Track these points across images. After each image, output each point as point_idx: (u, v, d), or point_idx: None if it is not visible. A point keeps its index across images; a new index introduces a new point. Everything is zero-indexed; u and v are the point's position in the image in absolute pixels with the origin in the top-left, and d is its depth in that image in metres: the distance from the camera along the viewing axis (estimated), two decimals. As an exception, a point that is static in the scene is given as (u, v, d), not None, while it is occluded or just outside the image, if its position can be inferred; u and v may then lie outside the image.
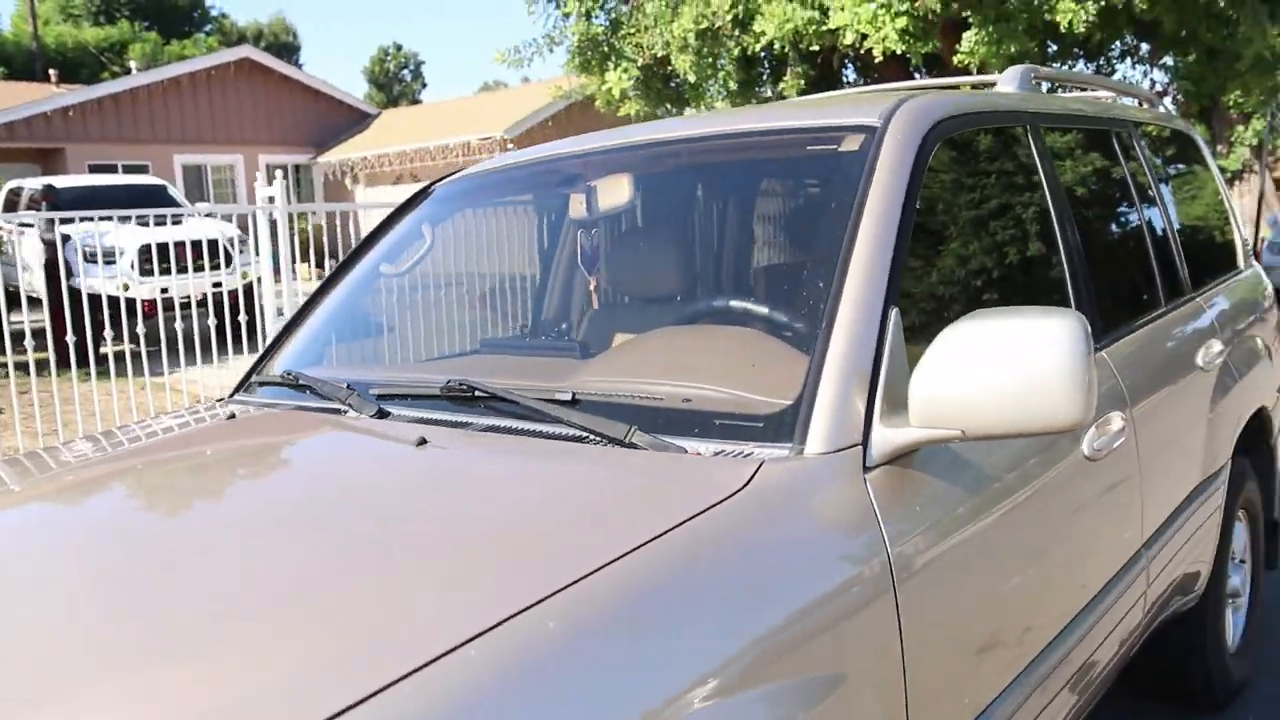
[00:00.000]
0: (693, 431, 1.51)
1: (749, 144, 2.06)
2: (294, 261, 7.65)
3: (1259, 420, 3.28)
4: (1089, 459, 1.98)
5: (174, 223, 11.06)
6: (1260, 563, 3.44)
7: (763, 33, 8.38)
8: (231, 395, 2.45)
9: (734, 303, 1.97)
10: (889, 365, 1.52)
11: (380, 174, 21.15)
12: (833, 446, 1.44)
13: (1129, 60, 12.53)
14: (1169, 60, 11.48)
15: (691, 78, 10.20)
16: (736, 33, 8.87)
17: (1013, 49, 7.85)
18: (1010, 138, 2.23)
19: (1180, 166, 3.53)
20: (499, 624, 1.02)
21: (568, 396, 1.64)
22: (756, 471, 1.37)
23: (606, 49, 10.97)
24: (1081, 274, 2.23)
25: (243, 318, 7.32)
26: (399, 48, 66.46)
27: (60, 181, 13.46)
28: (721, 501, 1.29)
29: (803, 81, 9.40)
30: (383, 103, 43.04)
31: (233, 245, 10.59)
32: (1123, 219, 2.73)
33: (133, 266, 10.29)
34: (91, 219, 8.22)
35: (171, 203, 12.33)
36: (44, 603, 1.23)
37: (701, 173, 2.16)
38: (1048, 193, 2.25)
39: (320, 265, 11.50)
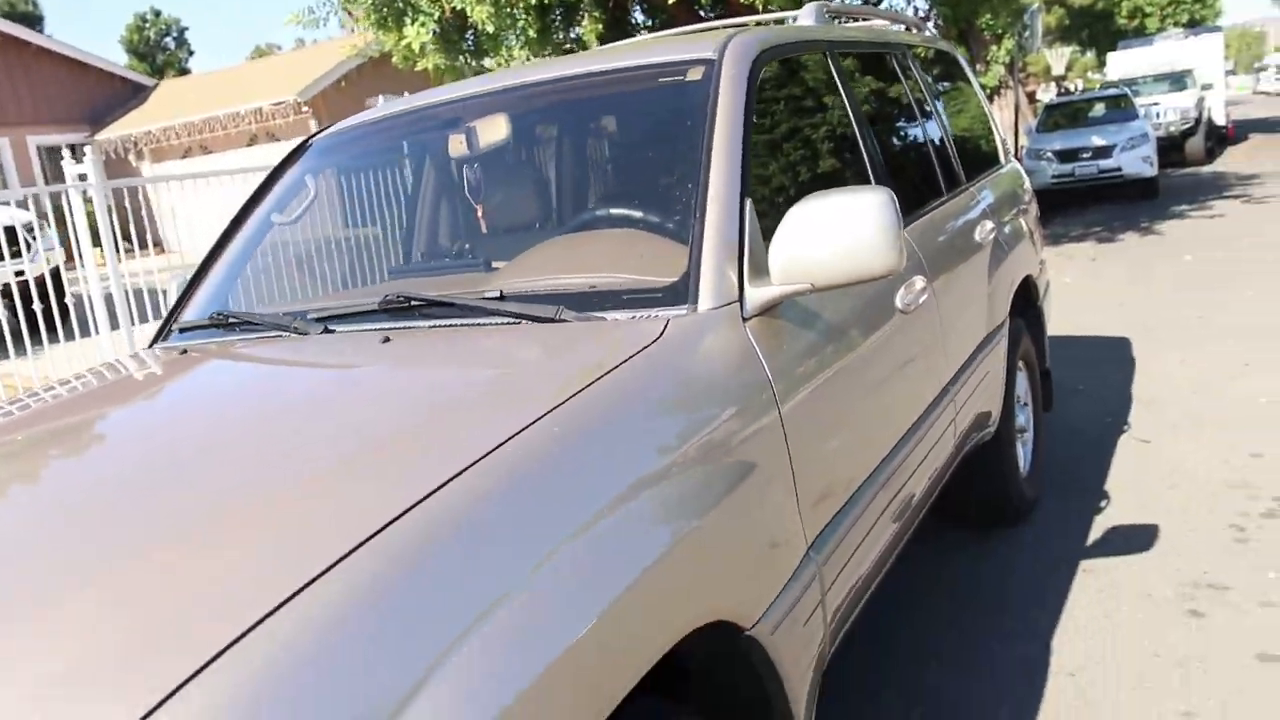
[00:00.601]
0: (605, 306, 1.92)
1: (608, 80, 2.46)
2: (116, 241, 7.48)
3: (1027, 287, 3.97)
4: (902, 312, 2.51)
5: (-47, 211, 10.42)
6: (1039, 405, 4.17)
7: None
8: (152, 344, 2.68)
9: (611, 210, 2.36)
10: (749, 242, 1.97)
11: (167, 148, 20.18)
12: (718, 303, 1.88)
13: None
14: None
15: (490, 28, 10.37)
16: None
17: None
18: (814, 62, 2.71)
19: (947, 83, 4.14)
20: (521, 430, 1.40)
21: (496, 294, 2.01)
22: (666, 326, 1.79)
23: (402, 4, 10.96)
24: (880, 169, 2.75)
25: (38, 306, 7.12)
26: (158, 14, 62.19)
27: None
28: (647, 346, 1.71)
29: (600, 26, 9.72)
30: (147, 73, 40.42)
31: (30, 231, 10.10)
32: (906, 125, 3.28)
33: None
34: None
35: (-52, 192, 11.55)
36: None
37: (569, 108, 2.54)
38: (847, 106, 2.75)
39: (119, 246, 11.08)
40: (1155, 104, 17.79)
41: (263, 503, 1.32)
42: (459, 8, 10.01)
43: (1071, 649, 2.96)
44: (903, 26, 3.88)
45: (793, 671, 1.74)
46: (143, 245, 8.05)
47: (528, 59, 14.34)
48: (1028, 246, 4.08)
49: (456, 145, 2.68)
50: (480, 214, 2.64)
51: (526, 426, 1.42)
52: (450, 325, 2.00)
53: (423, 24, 10.65)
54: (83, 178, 7.49)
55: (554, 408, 1.48)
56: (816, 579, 1.87)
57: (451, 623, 1.13)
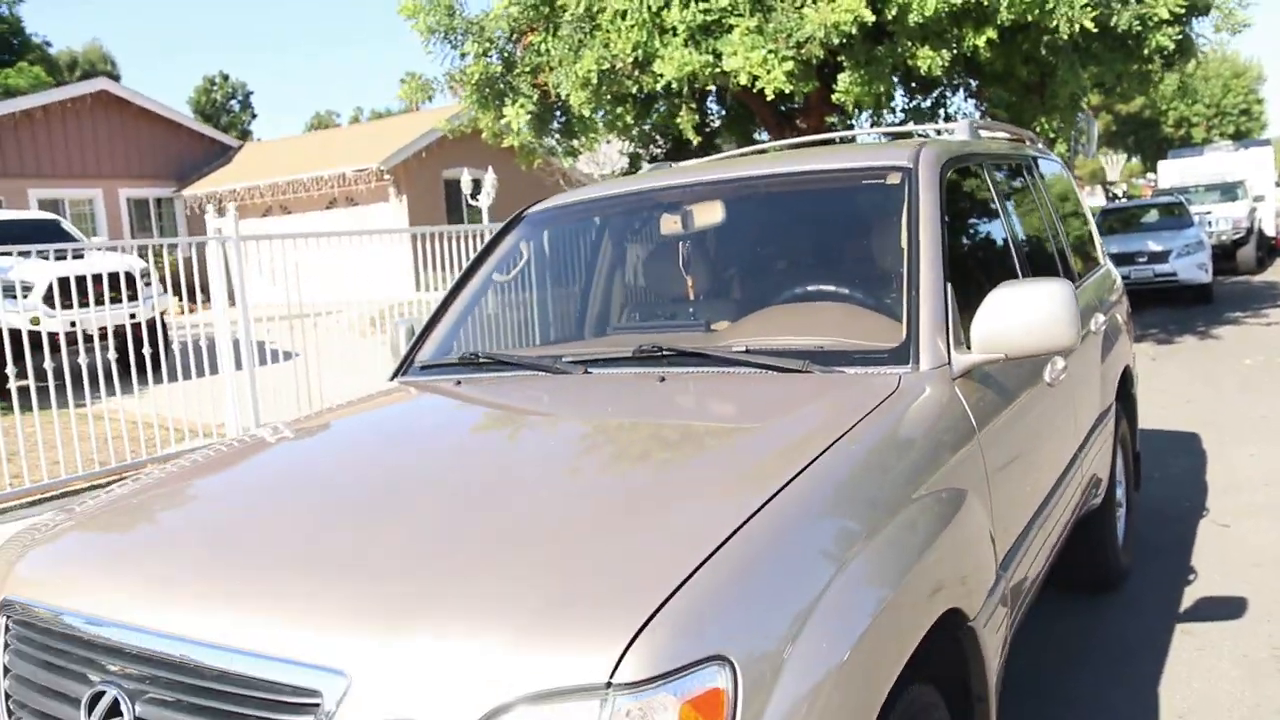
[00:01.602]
0: (840, 363, 2.38)
1: (816, 178, 2.97)
2: (244, 291, 8.07)
3: (1126, 375, 4.40)
4: (1049, 384, 2.95)
5: (75, 257, 11.13)
6: (1131, 484, 4.56)
7: (661, 74, 9.33)
8: (393, 378, 3.17)
9: (823, 287, 2.83)
10: (952, 317, 2.43)
11: (249, 206, 21.09)
12: (933, 365, 2.34)
13: (962, 92, 14.15)
14: (991, 93, 13.14)
15: (586, 113, 11.07)
16: (636, 73, 9.79)
17: (880, 88, 9.09)
18: (977, 169, 3.20)
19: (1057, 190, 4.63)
20: (812, 463, 1.84)
21: (742, 348, 2.48)
22: (900, 380, 2.25)
23: (503, 86, 11.70)
24: (1025, 262, 3.22)
25: (147, 350, 7.68)
26: (225, 77, 64.67)
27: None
28: (890, 395, 2.17)
29: (697, 117, 10.39)
30: (212, 134, 42.17)
31: (145, 278, 10.73)
32: (1038, 224, 3.75)
33: (46, 300, 10.30)
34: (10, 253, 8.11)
35: (67, 237, 12.30)
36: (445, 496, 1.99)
37: (777, 199, 3.03)
38: (1000, 206, 3.24)
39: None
40: (1208, 212, 18.24)
41: (657, 489, 1.78)
42: (559, 93, 10.70)
43: (1180, 696, 3.32)
44: (1024, 140, 4.38)
45: (991, 659, 2.15)
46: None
47: (608, 141, 15.09)
48: (1126, 340, 4.52)
49: (670, 224, 3.18)
50: (690, 285, 3.13)
51: (826, 448, 1.88)
52: (701, 371, 2.47)
53: (522, 105, 11.33)
54: (219, 231, 8.09)
55: (840, 437, 1.93)
56: (1004, 590, 2.30)
57: (815, 579, 1.57)
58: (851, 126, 15.37)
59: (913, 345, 2.37)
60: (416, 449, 2.38)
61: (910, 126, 4.87)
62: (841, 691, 1.49)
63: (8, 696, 1.83)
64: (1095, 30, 8.42)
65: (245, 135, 44.92)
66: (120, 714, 1.57)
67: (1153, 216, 16.38)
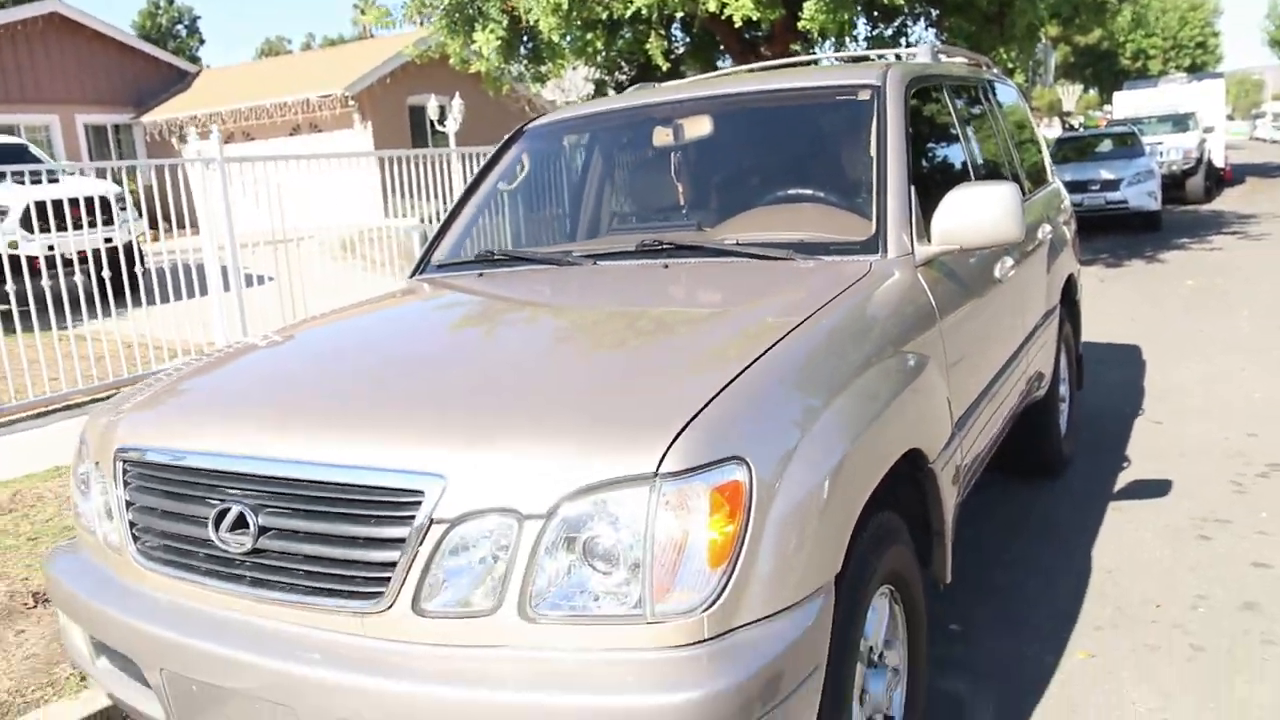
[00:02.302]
0: (818, 252, 2.75)
1: (795, 94, 3.30)
2: (229, 214, 8.23)
3: (1070, 282, 4.82)
4: (998, 280, 3.34)
5: (50, 180, 11.12)
6: (1074, 381, 5.01)
7: (631, 1, 9.52)
8: (412, 275, 3.49)
9: (801, 189, 3.18)
10: (915, 214, 2.80)
11: (208, 133, 20.89)
12: (898, 254, 2.71)
13: (922, 22, 14.40)
14: (951, 22, 13.41)
15: (555, 38, 11.21)
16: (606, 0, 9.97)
17: (845, 16, 9.35)
18: (937, 89, 3.54)
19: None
20: (801, 323, 2.22)
21: (734, 241, 2.84)
22: (871, 266, 2.62)
23: (473, 12, 11.78)
24: (980, 171, 3.59)
25: (124, 274, 7.85)
26: (171, 1, 62.94)
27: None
28: (863, 277, 2.54)
29: (665, 43, 10.59)
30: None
31: (120, 202, 10.77)
32: (990, 141, 4.11)
33: (24, 224, 10.33)
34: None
35: (35, 161, 12.28)
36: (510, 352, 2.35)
37: (760, 113, 3.35)
38: (957, 123, 3.59)
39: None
40: (1159, 143, 18.73)
41: (677, 342, 2.16)
42: (529, 19, 10.82)
43: (1107, 556, 3.79)
44: (981, 65, 4.72)
45: (948, 501, 2.56)
46: (180, 225, 8.81)
47: (574, 68, 15.16)
48: (1070, 250, 4.92)
49: (662, 136, 3.51)
50: (681, 191, 3.47)
51: (812, 314, 2.25)
52: (699, 262, 2.83)
53: (492, 30, 11.44)
54: (198, 154, 8.22)
55: (822, 306, 2.31)
56: (959, 446, 2.70)
57: (830, 389, 1.97)
58: (815, 54, 15.62)
59: (881, 237, 2.74)
60: (461, 318, 2.75)
61: (872, 54, 5.20)
62: (830, 494, 1.87)
63: (131, 524, 2.18)
64: (1053, -39, 8.72)
65: (194, 61, 43.93)
66: (245, 525, 1.92)
67: (1106, 146, 16.84)
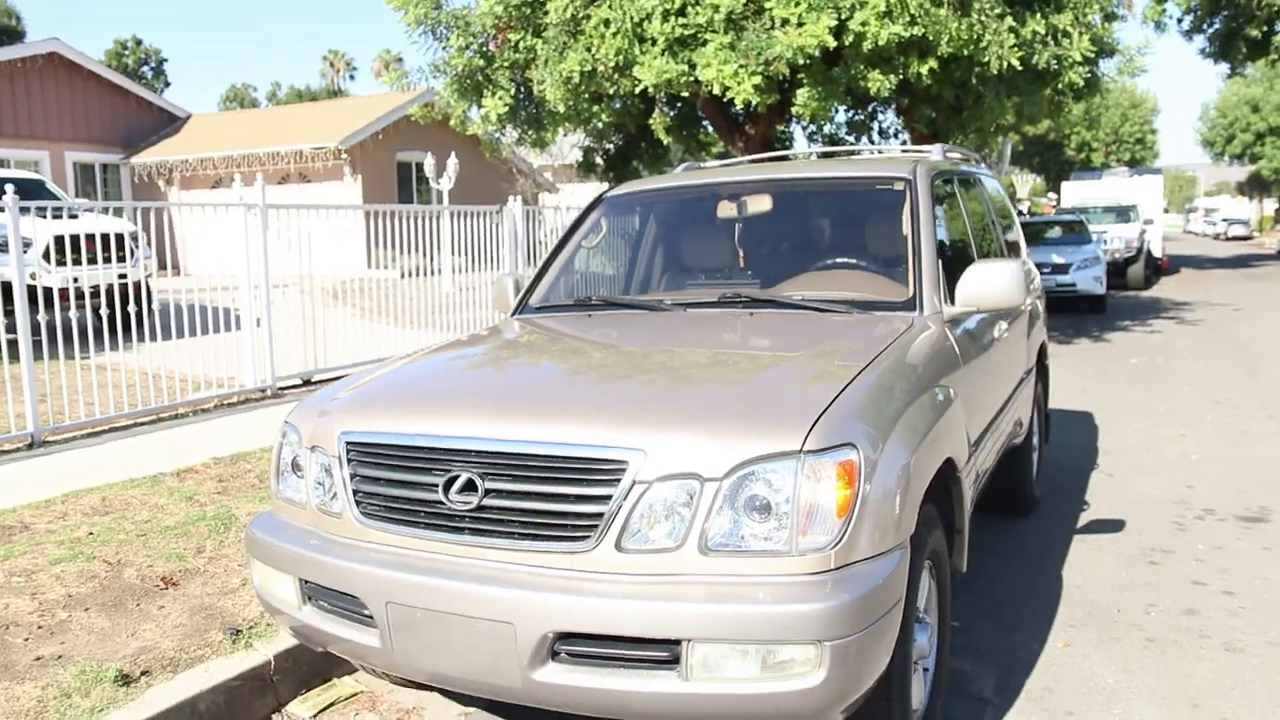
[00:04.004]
0: (868, 309, 3.51)
1: (842, 182, 4.11)
2: (266, 256, 8.84)
3: (1042, 349, 5.65)
4: (995, 339, 4.12)
5: (71, 216, 11.61)
6: (1042, 436, 5.82)
7: (639, 79, 10.38)
8: (513, 314, 4.19)
9: (848, 259, 3.95)
10: (943, 281, 3.58)
11: (198, 177, 21.48)
12: (932, 312, 3.48)
13: (892, 108, 15.51)
14: (918, 111, 14.55)
15: (560, 109, 12.03)
16: (615, 76, 10.82)
17: (833, 103, 10.32)
18: (950, 180, 4.36)
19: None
20: (874, 359, 2.95)
21: (799, 297, 3.59)
22: (912, 321, 3.38)
23: (482, 78, 12.59)
24: (980, 248, 4.40)
25: (132, 308, 8.32)
26: (139, 42, 63.28)
27: (-58, 175, 13.39)
28: (908, 329, 3.30)
29: (669, 120, 11.48)
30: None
31: (135, 240, 11.26)
32: (985, 222, 4.93)
33: (45, 257, 10.76)
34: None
35: (52, 196, 12.75)
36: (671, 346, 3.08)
37: (810, 196, 4.15)
38: (963, 208, 4.41)
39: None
40: (1104, 232, 20.08)
41: (790, 366, 2.89)
42: (539, 90, 11.64)
43: (1073, 574, 4.55)
44: (972, 160, 5.59)
45: (966, 506, 3.30)
46: (161, 266, 9.23)
47: (566, 134, 15.98)
48: (1041, 324, 5.77)
49: (726, 209, 4.28)
50: (742, 256, 4.23)
51: (879, 354, 2.99)
52: (772, 312, 3.57)
53: (499, 97, 12.22)
54: (241, 199, 8.83)
55: (885, 348, 3.05)
56: (973, 463, 3.45)
57: (900, 405, 2.70)
58: (792, 135, 16.69)
59: (918, 298, 3.51)
60: (601, 342, 3.48)
61: (852, 145, 6.09)
62: (905, 480, 2.60)
63: (354, 492, 2.83)
64: (1020, 67, 9.77)
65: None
66: (473, 488, 2.58)
67: (1056, 232, 18.08)
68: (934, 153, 4.67)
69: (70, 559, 4.41)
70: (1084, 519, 5.41)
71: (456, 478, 2.62)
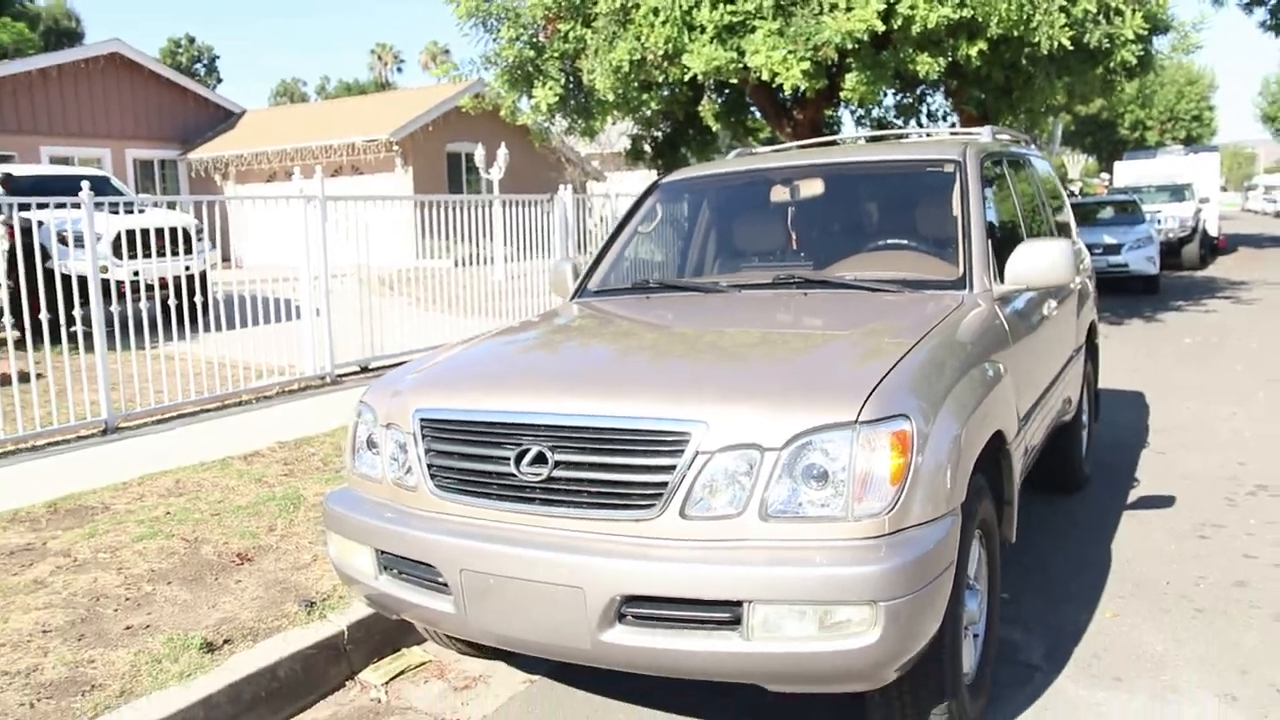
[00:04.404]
0: (921, 287, 3.60)
1: (894, 164, 4.21)
2: (325, 248, 9.08)
3: (1092, 327, 5.69)
4: (1045, 317, 4.20)
5: (137, 211, 11.93)
6: (1092, 414, 5.87)
7: (689, 67, 10.48)
8: (572, 298, 4.33)
9: (899, 239, 4.05)
10: (993, 259, 3.66)
11: (253, 171, 21.93)
12: (982, 290, 3.57)
13: (941, 91, 15.45)
14: (968, 94, 14.48)
15: (610, 98, 12.15)
16: (665, 64, 10.93)
17: (882, 87, 10.35)
18: (999, 162, 4.43)
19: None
20: (925, 335, 3.06)
21: (852, 277, 3.70)
22: (963, 299, 3.48)
23: (532, 69, 12.74)
24: (1031, 227, 4.47)
25: (197, 300, 8.46)
26: (191, 40, 64.46)
27: (16, 170, 13.86)
28: (959, 306, 3.39)
29: (717, 106, 11.56)
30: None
31: (199, 234, 11.57)
32: (1035, 203, 4.99)
33: (113, 250, 11.09)
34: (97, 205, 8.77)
35: (117, 192, 13.15)
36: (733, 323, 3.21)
37: (864, 179, 4.25)
38: (1012, 188, 4.48)
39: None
40: (1158, 211, 19.80)
41: (849, 338, 3.02)
42: (589, 79, 11.77)
43: (1124, 549, 4.62)
44: (1021, 141, 5.63)
45: (1016, 477, 3.40)
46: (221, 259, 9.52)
47: (614, 123, 16.11)
48: (1092, 302, 5.81)
49: (779, 193, 4.39)
50: (795, 239, 4.34)
51: (930, 330, 3.09)
52: (826, 292, 3.68)
53: (550, 87, 12.36)
54: (302, 191, 9.07)
55: (936, 325, 3.15)
56: (1023, 437, 3.54)
57: (951, 379, 2.81)
58: (839, 119, 16.65)
59: (968, 278, 3.61)
60: (659, 322, 3.62)
61: (900, 129, 6.13)
62: (957, 449, 2.71)
63: (429, 466, 2.99)
64: (1071, 47, 9.72)
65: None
66: (544, 461, 2.74)
67: (1108, 212, 17.88)
68: (984, 135, 4.74)
69: (150, 536, 4.65)
70: (1134, 495, 5.46)
71: (527, 451, 2.77)
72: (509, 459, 2.80)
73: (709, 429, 2.57)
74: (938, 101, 15.45)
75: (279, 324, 9.49)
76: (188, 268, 10.41)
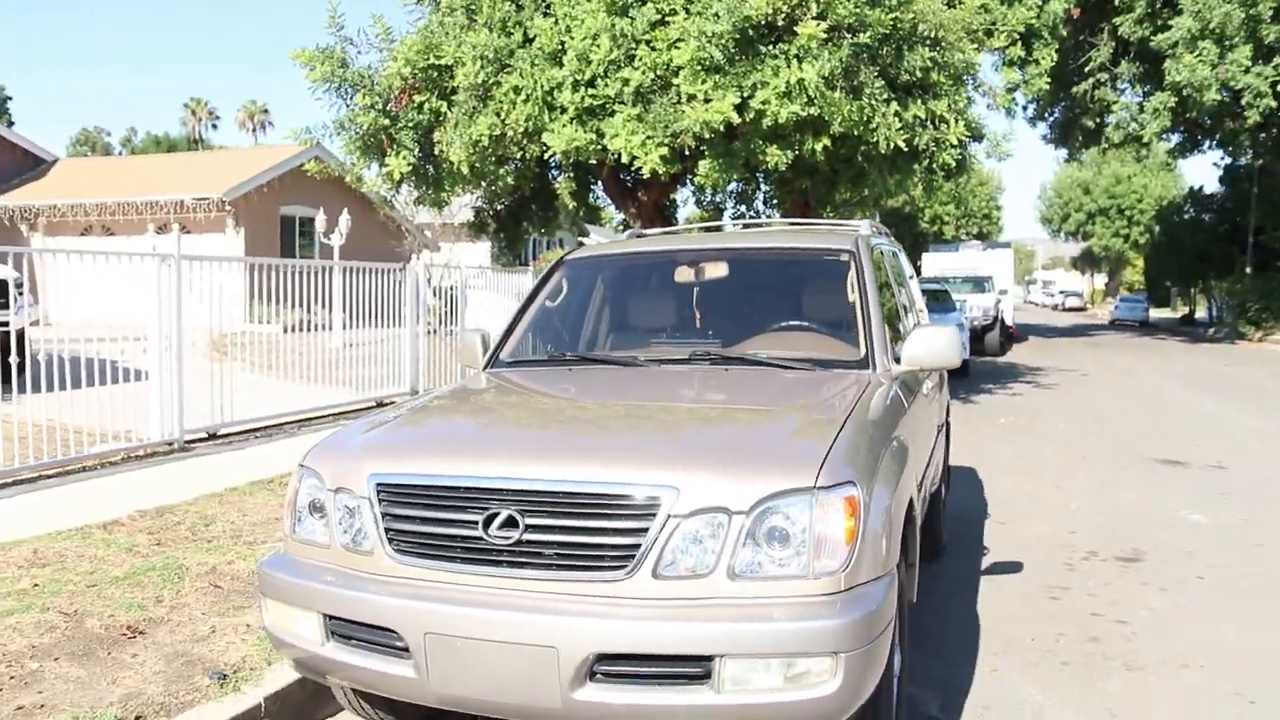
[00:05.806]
0: (828, 366, 3.93)
1: (792, 251, 4.56)
2: (179, 310, 8.75)
3: (948, 407, 6.23)
4: (924, 394, 4.62)
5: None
6: (946, 486, 6.38)
7: (548, 146, 10.77)
8: (485, 368, 4.45)
9: (801, 321, 4.38)
10: (889, 343, 4.04)
11: (65, 223, 20.71)
12: (882, 370, 3.92)
13: (776, 177, 16.34)
14: (797, 183, 15.44)
15: (464, 170, 12.28)
16: (524, 142, 11.18)
17: (733, 175, 10.95)
18: (879, 252, 4.87)
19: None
20: (853, 410, 3.36)
21: (765, 355, 3.99)
22: (871, 379, 3.82)
23: (385, 137, 12.74)
24: (903, 312, 4.91)
25: (14, 359, 8.03)
26: (-20, 79, 60.65)
27: None
28: (869, 384, 3.73)
29: (573, 185, 11.87)
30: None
31: (19, 287, 10.83)
32: (902, 288, 5.46)
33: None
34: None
35: (-75, 243, 12.19)
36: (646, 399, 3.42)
37: (763, 264, 4.59)
38: (890, 275, 4.93)
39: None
40: (964, 301, 21.46)
41: (783, 412, 3.27)
42: (447, 151, 11.87)
43: (987, 609, 5.05)
44: (886, 234, 6.17)
45: (916, 540, 3.73)
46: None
47: (459, 194, 16.16)
48: (946, 382, 6.36)
49: (684, 274, 4.67)
50: (700, 317, 4.61)
51: (855, 405, 3.40)
52: (742, 368, 3.95)
53: (403, 156, 12.37)
54: (154, 249, 8.75)
55: (857, 401, 3.46)
56: (919, 500, 3.89)
57: (876, 451, 3.10)
58: (677, 202, 17.33)
59: (870, 358, 3.96)
60: (605, 389, 3.79)
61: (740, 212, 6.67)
62: (890, 515, 3.00)
63: (387, 530, 3.03)
64: (905, 148, 10.62)
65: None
66: (514, 524, 2.84)
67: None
68: (863, 227, 5.19)
69: (22, 610, 4.38)
70: (986, 561, 5.95)
71: (496, 515, 2.86)
72: (476, 523, 2.88)
73: (679, 494, 2.75)
74: (770, 188, 16.38)
75: (109, 386, 8.93)
76: (4, 324, 9.67)
